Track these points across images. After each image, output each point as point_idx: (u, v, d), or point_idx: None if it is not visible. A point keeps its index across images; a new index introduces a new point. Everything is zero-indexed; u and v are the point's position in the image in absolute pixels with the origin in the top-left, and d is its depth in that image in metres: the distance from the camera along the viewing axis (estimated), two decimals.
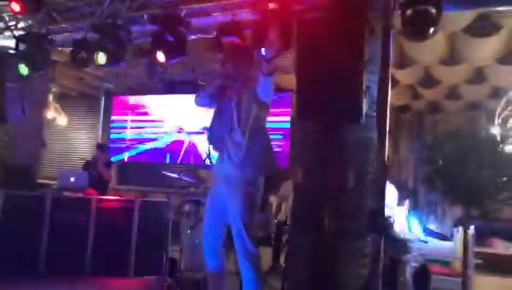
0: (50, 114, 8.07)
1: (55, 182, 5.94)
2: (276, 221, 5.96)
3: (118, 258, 5.05)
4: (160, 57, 4.45)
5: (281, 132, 7.49)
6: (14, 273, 4.57)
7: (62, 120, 8.59)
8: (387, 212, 4.55)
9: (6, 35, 5.59)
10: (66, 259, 4.93)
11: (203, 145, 8.07)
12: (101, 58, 4.89)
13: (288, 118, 7.47)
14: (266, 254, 5.77)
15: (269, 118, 7.18)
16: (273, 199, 6.89)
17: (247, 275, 2.97)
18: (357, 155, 3.75)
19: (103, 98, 9.04)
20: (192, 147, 8.25)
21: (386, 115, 3.68)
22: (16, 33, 5.47)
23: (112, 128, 8.98)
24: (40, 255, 4.87)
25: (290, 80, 5.81)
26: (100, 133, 9.09)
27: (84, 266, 4.94)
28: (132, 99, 8.88)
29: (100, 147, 7.19)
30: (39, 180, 6.23)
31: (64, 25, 5.44)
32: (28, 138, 6.38)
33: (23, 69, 5.33)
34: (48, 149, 8.56)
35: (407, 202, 5.58)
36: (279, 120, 7.51)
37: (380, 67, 3.60)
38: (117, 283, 4.78)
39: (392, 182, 5.38)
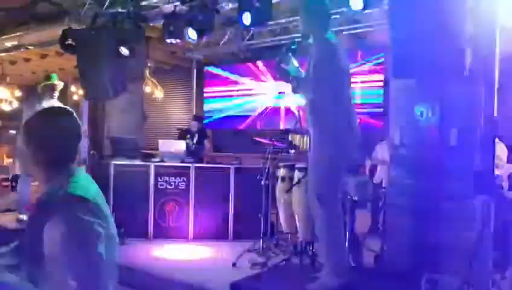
0: (148, 88, 8.54)
1: (157, 151, 6.32)
2: (372, 184, 5.81)
3: (217, 222, 5.29)
4: (247, 20, 4.43)
5: (375, 91, 7.19)
6: (125, 235, 4.98)
7: (159, 93, 9.05)
8: (497, 171, 4.20)
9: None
10: (170, 223, 5.29)
11: (293, 108, 8.04)
12: (192, 33, 5.01)
13: (381, 77, 7.12)
14: (364, 217, 5.68)
15: (361, 78, 6.87)
16: (367, 161, 6.71)
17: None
18: (460, 111, 3.47)
19: (195, 70, 9.32)
20: (284, 112, 8.25)
21: (494, 65, 3.34)
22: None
23: (205, 97, 9.28)
24: (148, 219, 5.27)
25: (382, 36, 5.50)
26: (194, 103, 9.44)
27: (187, 230, 5.27)
28: (222, 68, 9.06)
29: (196, 118, 7.46)
30: (142, 150, 6.66)
31: (154, 1, 5.64)
32: (131, 112, 6.84)
33: (124, 50, 5.66)
34: (148, 121, 9.12)
35: None
36: (372, 79, 7.20)
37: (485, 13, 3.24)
38: (217, 245, 5.02)
39: (501, 138, 4.93)
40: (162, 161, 5.55)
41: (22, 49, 7.37)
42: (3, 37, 6.91)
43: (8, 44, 7.21)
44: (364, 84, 7.24)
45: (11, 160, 8.72)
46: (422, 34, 3.07)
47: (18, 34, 6.74)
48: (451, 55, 3.03)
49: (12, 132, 8.96)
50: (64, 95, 10.10)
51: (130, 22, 5.71)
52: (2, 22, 6.68)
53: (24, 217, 4.53)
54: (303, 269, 3.57)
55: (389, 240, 3.97)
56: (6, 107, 9.53)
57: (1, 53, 7.61)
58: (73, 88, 9.74)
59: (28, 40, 7.05)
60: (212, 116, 9.12)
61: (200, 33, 5.10)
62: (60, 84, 5.35)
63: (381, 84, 7.07)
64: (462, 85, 3.40)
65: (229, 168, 5.36)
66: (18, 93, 9.87)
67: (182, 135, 7.08)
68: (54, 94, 5.30)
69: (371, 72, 7.19)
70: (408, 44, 3.21)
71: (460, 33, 2.97)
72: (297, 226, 4.35)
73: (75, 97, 9.53)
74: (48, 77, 5.45)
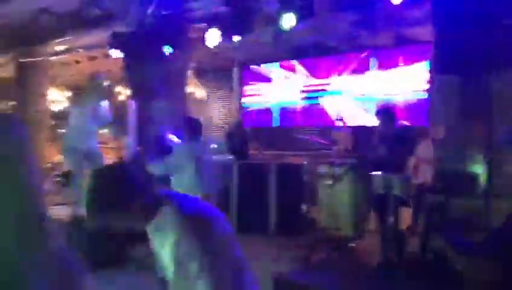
0: (190, 88, 8.73)
1: None
2: (415, 183, 5.72)
3: (258, 217, 5.38)
4: (288, 20, 4.48)
5: (418, 87, 7.08)
6: None
7: (200, 93, 9.24)
8: None
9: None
10: None
11: (333, 106, 8.03)
12: (234, 34, 5.09)
13: (426, 73, 7.00)
14: (407, 214, 5.61)
15: (405, 73, 6.75)
16: (410, 160, 6.61)
17: None
18: (510, 108, 3.40)
19: (235, 69, 9.46)
20: (324, 109, 8.25)
21: None
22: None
23: (245, 96, 9.41)
24: None
25: (426, 31, 5.43)
26: (235, 102, 9.58)
27: (229, 224, 5.37)
28: (262, 67, 9.16)
29: (237, 125, 7.49)
30: None
31: (197, 3, 5.79)
32: (173, 112, 7.02)
33: (167, 49, 5.84)
34: None
35: None
36: (416, 75, 7.09)
37: None
38: (259, 240, 5.10)
39: None
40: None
41: (73, 53, 7.72)
42: (56, 41, 7.28)
43: (60, 47, 7.59)
44: (407, 80, 7.15)
45: (61, 157, 9.15)
46: (468, 28, 3.03)
47: (69, 38, 7.08)
48: (500, 48, 2.97)
49: (62, 130, 9.37)
50: (110, 96, 10.49)
51: (174, 24, 5.89)
52: (54, 27, 7.04)
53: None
54: (345, 264, 3.60)
55: (432, 238, 3.93)
56: (57, 107, 10.00)
57: (53, 56, 8.00)
58: (119, 89, 10.09)
59: (77, 43, 7.39)
60: (252, 115, 9.24)
61: (242, 34, 5.20)
62: (107, 84, 5.56)
63: (426, 79, 6.95)
64: (510, 79, 3.34)
65: (270, 164, 5.43)
66: (68, 94, 10.35)
67: (229, 136, 7.15)
68: (103, 94, 5.52)
69: (414, 68, 7.09)
70: (453, 39, 3.17)
71: (509, 27, 2.91)
72: (339, 222, 4.38)
73: (122, 97, 9.88)
74: (96, 78, 5.65)
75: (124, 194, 1.41)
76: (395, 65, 7.28)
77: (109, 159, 7.56)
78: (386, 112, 4.68)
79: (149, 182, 1.50)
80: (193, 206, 1.52)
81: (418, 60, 7.04)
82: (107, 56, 7.88)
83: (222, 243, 1.47)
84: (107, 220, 1.43)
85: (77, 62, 8.75)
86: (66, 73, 9.58)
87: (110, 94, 8.59)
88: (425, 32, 5.54)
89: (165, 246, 1.47)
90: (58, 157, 9.33)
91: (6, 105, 9.94)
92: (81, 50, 7.58)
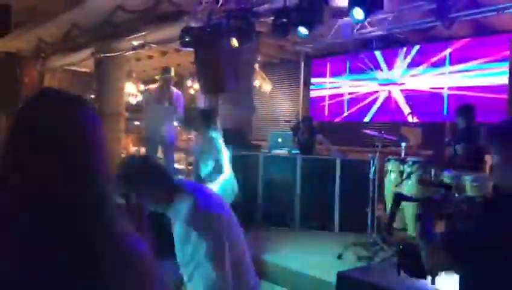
0: (256, 82, 8.81)
1: (265, 142, 6.54)
2: (491, 184, 5.38)
3: (322, 213, 5.33)
4: (358, 14, 4.36)
5: (497, 82, 6.61)
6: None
7: (267, 86, 9.28)
8: None
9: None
10: (277, 212, 5.44)
11: (403, 101, 7.74)
12: (302, 28, 5.06)
13: (506, 65, 6.52)
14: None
15: (480, 65, 6.38)
16: (488, 158, 6.21)
17: None
18: None
19: (302, 63, 9.39)
20: (394, 104, 7.98)
21: None
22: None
23: (312, 90, 9.32)
24: (257, 207, 5.49)
25: (507, 20, 5.05)
26: (301, 95, 9.52)
27: (293, 219, 5.38)
28: (330, 61, 9.02)
29: (304, 120, 7.46)
30: (252, 142, 6.91)
31: None
32: (241, 104, 7.13)
33: (234, 42, 5.93)
34: (256, 113, 9.42)
35: None
36: (495, 67, 6.62)
37: None
38: (323, 236, 5.06)
39: None
40: (270, 151, 5.72)
41: (146, 48, 8.06)
42: (131, 37, 7.64)
43: (135, 43, 7.95)
44: (486, 72, 6.70)
45: (136, 148, 9.65)
46: None
47: (143, 33, 7.40)
48: None
49: (137, 123, 9.85)
50: (180, 89, 10.87)
51: (242, 18, 5.95)
52: (129, 23, 7.40)
53: None
54: (409, 264, 3.46)
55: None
56: (133, 100, 10.53)
57: (129, 51, 8.42)
58: (189, 83, 10.43)
59: (151, 38, 7.70)
60: (319, 109, 9.15)
61: (310, 27, 5.14)
62: (175, 77, 5.99)
63: (506, 72, 6.47)
64: None
65: (335, 160, 5.36)
66: (142, 87, 10.86)
67: (295, 131, 7.13)
68: (171, 86, 5.96)
69: (494, 59, 6.62)
70: None
71: None
72: (406, 222, 4.23)
73: (192, 91, 10.21)
74: (168, 70, 6.03)
75: (144, 179, 1.70)
76: (472, 58, 6.84)
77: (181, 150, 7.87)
78: (464, 109, 4.44)
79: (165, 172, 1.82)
80: (206, 202, 1.77)
81: (497, 52, 6.57)
82: (178, 51, 8.17)
83: (226, 236, 1.74)
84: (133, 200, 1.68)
85: (149, 57, 9.13)
86: (139, 68, 10.05)
87: (180, 87, 8.94)
88: (506, 22, 5.15)
89: (175, 227, 1.75)
90: (133, 149, 9.86)
91: (87, 97, 10.63)
92: (154, 45, 7.88)
